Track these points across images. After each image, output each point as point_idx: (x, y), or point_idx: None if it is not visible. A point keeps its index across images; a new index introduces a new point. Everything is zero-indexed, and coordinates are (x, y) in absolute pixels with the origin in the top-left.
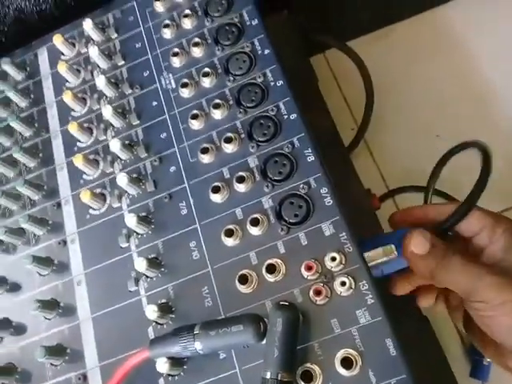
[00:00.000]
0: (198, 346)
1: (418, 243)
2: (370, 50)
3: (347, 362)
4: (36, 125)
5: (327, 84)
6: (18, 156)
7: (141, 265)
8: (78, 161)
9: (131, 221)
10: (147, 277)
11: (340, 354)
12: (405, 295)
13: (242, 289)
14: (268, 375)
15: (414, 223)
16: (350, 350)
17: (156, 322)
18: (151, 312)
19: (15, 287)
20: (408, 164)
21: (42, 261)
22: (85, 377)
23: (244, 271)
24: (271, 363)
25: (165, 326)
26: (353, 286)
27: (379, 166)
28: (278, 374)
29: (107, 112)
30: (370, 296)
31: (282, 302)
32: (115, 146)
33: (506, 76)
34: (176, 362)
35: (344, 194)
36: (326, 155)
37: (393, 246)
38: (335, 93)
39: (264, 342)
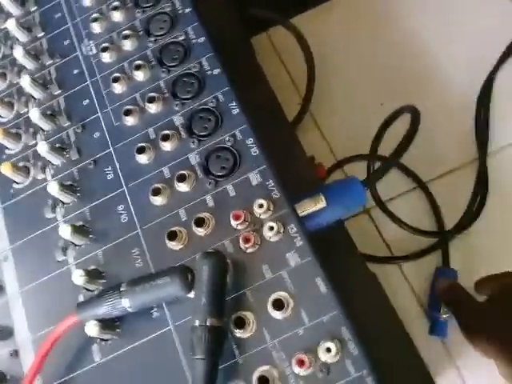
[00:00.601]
0: (126, 303)
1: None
2: (313, 26)
3: (279, 305)
4: None
5: (271, 62)
6: None
7: (65, 231)
8: None
9: (54, 188)
10: (75, 245)
11: (272, 298)
12: (341, 241)
13: (173, 246)
14: (197, 323)
15: None
16: (282, 293)
17: (86, 289)
18: (78, 277)
19: None
20: (355, 134)
21: None
22: (17, 352)
23: (173, 228)
24: (199, 310)
25: (95, 292)
26: (281, 231)
27: (327, 138)
28: (206, 320)
29: (26, 83)
30: (299, 238)
31: (207, 251)
32: (34, 115)
33: (446, 48)
34: (108, 325)
35: (279, 155)
36: (267, 129)
37: (321, 194)
38: (280, 70)
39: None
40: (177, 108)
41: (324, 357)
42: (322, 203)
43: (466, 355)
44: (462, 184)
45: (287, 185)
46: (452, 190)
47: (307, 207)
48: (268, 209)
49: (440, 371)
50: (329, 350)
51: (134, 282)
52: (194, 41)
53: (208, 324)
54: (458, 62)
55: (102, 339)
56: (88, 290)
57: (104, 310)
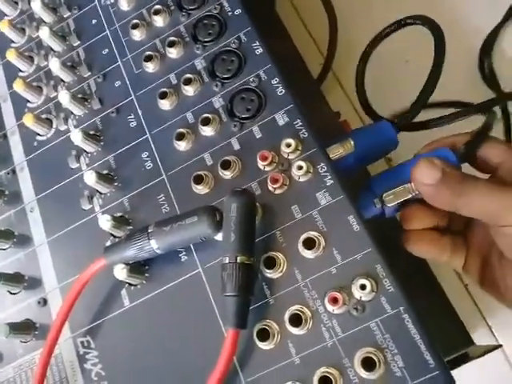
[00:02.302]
0: (154, 244)
1: (425, 172)
2: None
3: (310, 244)
4: None
5: (292, 22)
6: None
7: (90, 178)
8: (19, 86)
9: (77, 137)
10: (100, 193)
11: (303, 238)
12: None
13: (199, 190)
14: (227, 260)
15: None
16: (313, 232)
17: (113, 236)
18: (105, 221)
19: None
20: (379, 91)
21: None
22: (45, 300)
23: (199, 172)
24: (229, 248)
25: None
26: (311, 170)
27: (350, 98)
28: (236, 257)
29: (45, 36)
30: (329, 177)
31: (235, 189)
32: (55, 66)
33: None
34: (136, 269)
35: (305, 103)
36: (291, 78)
37: (351, 140)
38: (301, 30)
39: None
40: (198, 51)
41: (358, 294)
42: (350, 147)
43: (497, 313)
44: None
45: (315, 129)
46: None
47: (336, 151)
48: (296, 148)
49: (471, 329)
50: (363, 287)
51: (161, 222)
52: None
53: (238, 261)
54: None
55: (131, 284)
56: (115, 236)
57: (132, 252)
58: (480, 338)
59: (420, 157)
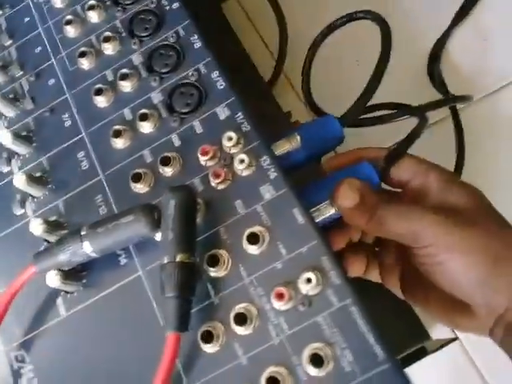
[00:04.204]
0: (88, 247)
1: (345, 195)
2: None
3: (255, 239)
4: None
5: (243, 26)
6: None
7: (20, 180)
8: None
9: (7, 139)
10: (33, 197)
11: (247, 233)
12: None
13: (138, 189)
14: (165, 260)
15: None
16: (257, 227)
17: (47, 242)
18: (37, 226)
19: None
20: (331, 93)
21: None
22: None
23: (138, 170)
24: (167, 247)
25: None
26: (253, 164)
27: (301, 98)
28: (175, 256)
29: None
30: (273, 170)
31: (173, 186)
32: None
33: None
34: (71, 275)
35: (253, 101)
36: (236, 78)
37: (297, 135)
38: (252, 34)
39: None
40: (135, 47)
41: (304, 288)
42: (297, 142)
43: None
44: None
45: (258, 124)
46: None
47: (282, 147)
48: (238, 142)
49: (428, 325)
50: (309, 280)
51: (95, 224)
52: None
53: (178, 260)
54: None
55: (67, 292)
56: (49, 242)
57: (64, 257)
58: (437, 332)
59: (342, 174)
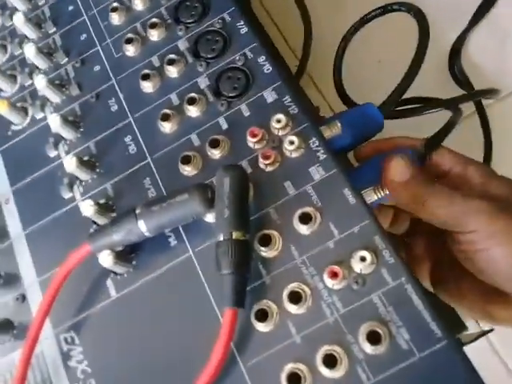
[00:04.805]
0: (142, 226)
1: (398, 170)
2: None
3: (306, 219)
4: None
5: (264, 24)
6: None
7: (70, 164)
8: None
9: (55, 122)
10: (81, 181)
11: (298, 214)
12: None
13: (187, 171)
14: (221, 237)
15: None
16: (308, 208)
17: (96, 224)
18: (88, 207)
19: None
20: (353, 90)
21: None
22: (24, 296)
23: (187, 153)
24: (223, 224)
25: None
26: (303, 146)
27: (327, 99)
28: (231, 233)
29: (19, 22)
30: (322, 151)
31: (226, 165)
32: (30, 52)
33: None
34: (122, 256)
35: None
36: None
37: (338, 122)
38: (274, 33)
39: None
40: (181, 33)
41: (358, 267)
42: (338, 129)
43: None
44: None
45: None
46: None
47: (323, 134)
48: (287, 124)
49: None
50: (363, 259)
51: (149, 203)
52: None
53: (233, 237)
54: None
55: (116, 273)
56: (98, 225)
57: (119, 236)
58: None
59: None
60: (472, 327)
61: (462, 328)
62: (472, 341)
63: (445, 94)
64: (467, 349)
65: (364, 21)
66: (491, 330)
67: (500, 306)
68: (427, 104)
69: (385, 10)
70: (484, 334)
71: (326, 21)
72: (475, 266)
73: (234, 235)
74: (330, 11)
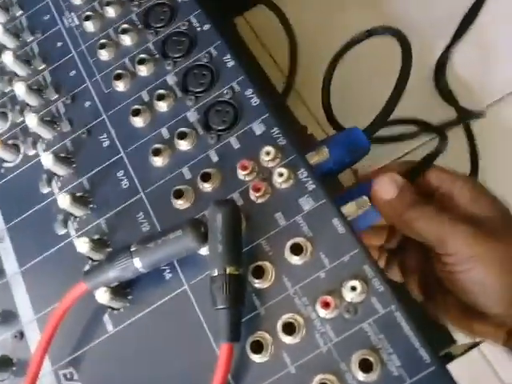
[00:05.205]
0: (138, 262)
1: (385, 188)
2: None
3: (297, 250)
4: None
5: (251, 45)
6: None
7: (64, 201)
8: None
9: (48, 160)
10: (75, 217)
11: (289, 244)
12: None
13: (180, 205)
14: (215, 272)
15: None
16: (299, 238)
17: (91, 260)
18: (82, 244)
19: None
20: (341, 106)
21: None
22: (21, 333)
23: (179, 187)
24: (217, 259)
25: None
26: (292, 177)
27: (314, 114)
28: (225, 268)
29: (8, 60)
30: (311, 182)
31: (218, 200)
32: (20, 89)
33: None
34: (118, 292)
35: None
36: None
37: (325, 147)
38: (262, 53)
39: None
40: (169, 68)
41: (349, 296)
42: (326, 155)
43: None
44: None
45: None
46: None
47: (311, 159)
48: (276, 156)
49: None
50: (354, 288)
51: (143, 240)
52: (179, 0)
53: (227, 272)
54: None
55: (113, 308)
56: (93, 260)
57: (115, 273)
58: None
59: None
60: (464, 338)
61: (450, 342)
62: (463, 352)
63: (432, 110)
64: (460, 360)
65: (350, 43)
66: (479, 343)
67: (479, 321)
68: (418, 126)
69: (370, 33)
70: (472, 347)
71: (314, 36)
72: (455, 285)
73: (228, 270)
74: (318, 27)
